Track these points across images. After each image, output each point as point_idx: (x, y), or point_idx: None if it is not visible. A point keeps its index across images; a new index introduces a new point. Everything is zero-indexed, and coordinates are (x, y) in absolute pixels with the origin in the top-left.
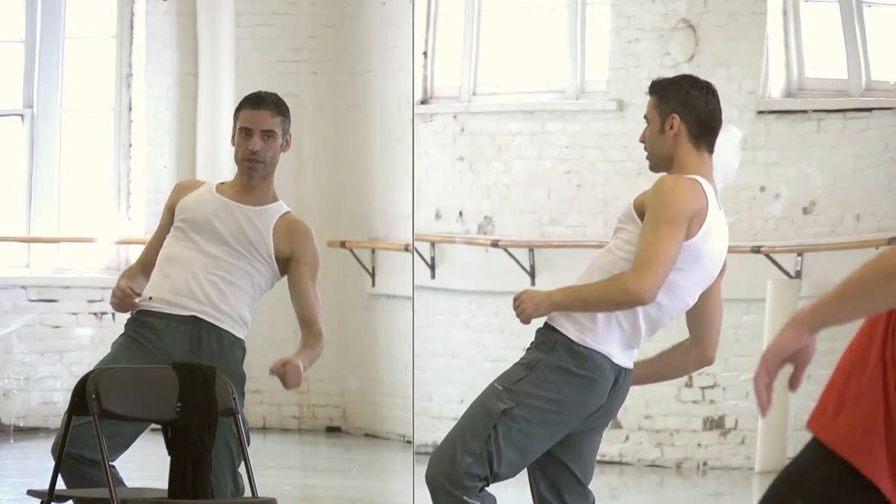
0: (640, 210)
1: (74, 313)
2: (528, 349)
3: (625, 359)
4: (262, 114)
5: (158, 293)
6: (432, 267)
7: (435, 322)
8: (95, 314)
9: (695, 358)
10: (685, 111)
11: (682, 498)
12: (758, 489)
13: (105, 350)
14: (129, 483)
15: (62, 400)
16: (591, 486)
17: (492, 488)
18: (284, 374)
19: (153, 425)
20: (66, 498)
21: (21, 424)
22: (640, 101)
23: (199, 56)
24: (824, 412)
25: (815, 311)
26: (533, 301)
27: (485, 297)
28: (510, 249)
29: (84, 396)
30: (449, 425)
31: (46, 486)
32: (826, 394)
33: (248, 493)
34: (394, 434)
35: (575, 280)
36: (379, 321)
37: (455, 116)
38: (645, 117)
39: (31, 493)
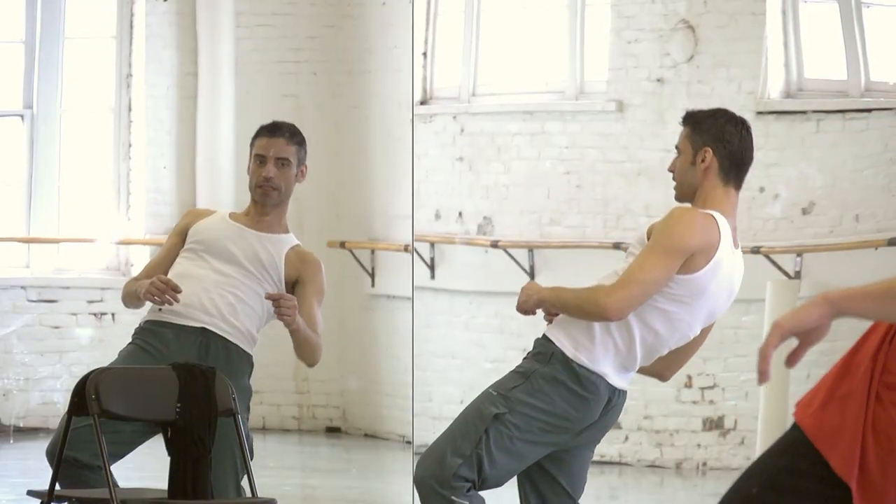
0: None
1: (74, 314)
2: (524, 358)
3: (619, 380)
4: (276, 141)
5: (177, 304)
6: (432, 267)
7: (435, 322)
8: (95, 314)
9: (652, 369)
10: (719, 145)
11: (682, 498)
12: None
13: (104, 350)
14: (129, 483)
15: (62, 400)
16: (591, 487)
17: (485, 495)
18: (279, 302)
19: (151, 438)
20: (66, 498)
21: (21, 425)
22: (640, 102)
23: (199, 56)
24: (811, 403)
25: (848, 298)
26: (527, 292)
27: (484, 297)
28: (510, 250)
29: (84, 397)
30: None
31: (46, 487)
32: (817, 387)
33: (248, 493)
34: (393, 434)
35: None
36: (379, 322)
37: (455, 117)
38: (676, 147)
39: (31, 493)
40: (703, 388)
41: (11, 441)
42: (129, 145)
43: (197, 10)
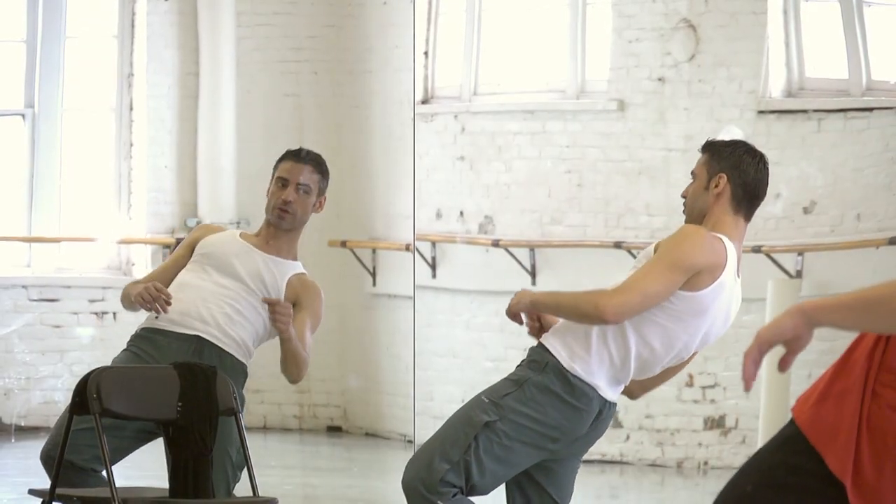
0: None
1: (75, 313)
2: (518, 365)
3: (611, 393)
4: (301, 167)
5: (165, 314)
6: (433, 266)
7: (436, 321)
8: (96, 314)
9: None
10: (734, 173)
11: (683, 497)
12: None
13: (105, 349)
14: (130, 482)
15: (63, 399)
16: (592, 486)
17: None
18: (276, 308)
19: (148, 442)
20: (68, 497)
21: (22, 424)
22: (641, 101)
23: (200, 56)
24: (808, 400)
25: (821, 309)
26: (518, 296)
27: (485, 296)
28: (511, 249)
29: (85, 396)
30: None
31: (47, 486)
32: (815, 384)
33: (248, 492)
34: (395, 433)
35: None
36: (380, 321)
37: (456, 116)
38: (692, 173)
39: (32, 492)
40: (704, 388)
41: (13, 440)
42: (131, 144)
43: (198, 9)
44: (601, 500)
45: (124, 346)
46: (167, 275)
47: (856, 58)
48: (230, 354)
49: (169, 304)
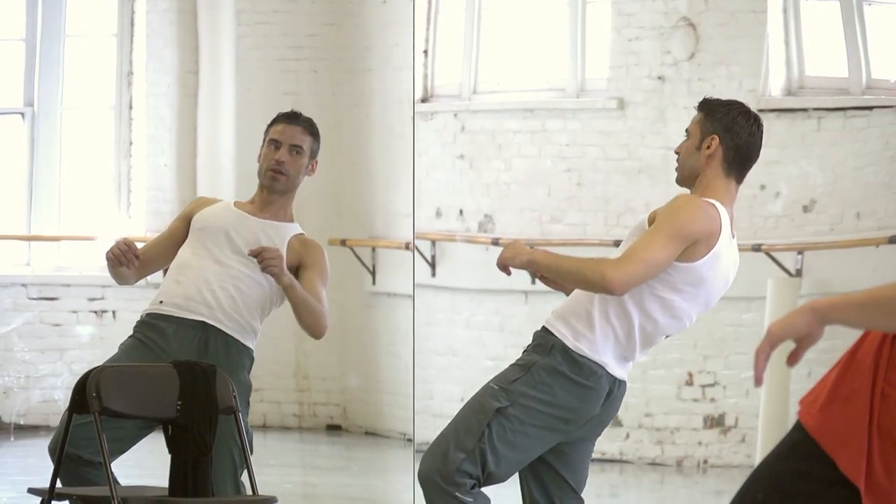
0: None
1: (75, 311)
2: (524, 351)
3: (619, 370)
4: (294, 129)
5: (169, 298)
6: (433, 265)
7: (435, 320)
8: (96, 312)
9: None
10: (727, 135)
11: (683, 496)
12: None
13: (104, 348)
14: (130, 481)
15: (62, 398)
16: (591, 484)
17: (488, 491)
18: (262, 255)
19: (151, 433)
20: (67, 496)
21: (21, 422)
22: (641, 100)
23: (200, 54)
24: (815, 403)
25: (834, 307)
26: (514, 250)
27: (485, 295)
28: None
29: (85, 394)
30: None
31: (47, 485)
32: (820, 385)
33: (248, 490)
34: (394, 432)
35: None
36: (379, 319)
37: (455, 114)
38: (686, 131)
39: (31, 491)
40: (703, 386)
41: (12, 439)
42: (130, 143)
43: (198, 7)
44: (601, 499)
45: (130, 334)
46: (160, 247)
47: (856, 56)
48: (235, 339)
49: (138, 257)
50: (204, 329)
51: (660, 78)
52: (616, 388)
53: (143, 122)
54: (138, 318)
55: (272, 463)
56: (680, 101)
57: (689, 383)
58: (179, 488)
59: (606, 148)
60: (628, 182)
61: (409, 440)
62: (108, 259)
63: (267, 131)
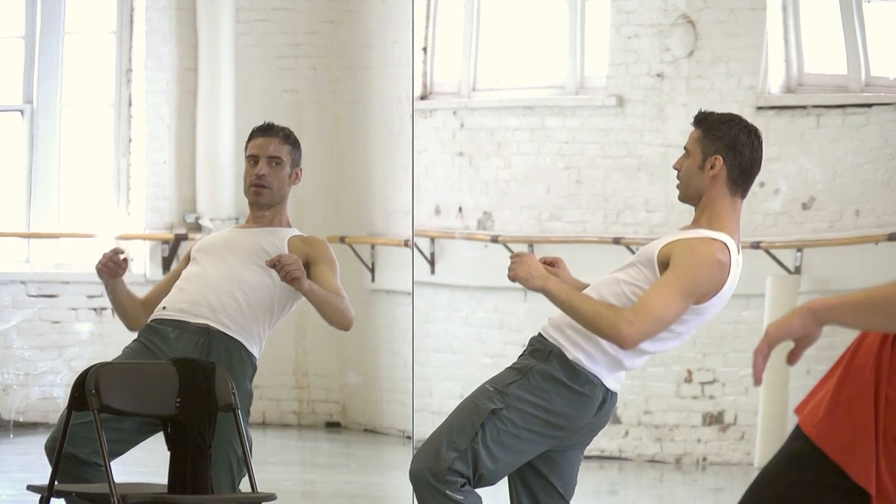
0: (664, 262)
1: (74, 308)
2: (520, 355)
3: (613, 382)
4: (269, 140)
5: (173, 304)
6: (432, 262)
7: (434, 317)
8: (95, 309)
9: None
10: (730, 154)
11: (682, 493)
12: None
13: (104, 345)
14: (129, 478)
15: (62, 395)
16: (590, 482)
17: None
18: (280, 262)
19: (150, 437)
20: (66, 493)
21: (21, 420)
22: (640, 97)
23: (199, 51)
24: (817, 411)
25: (830, 309)
26: (529, 270)
27: (484, 292)
28: (510, 245)
29: (84, 391)
30: None
31: (46, 482)
32: (818, 389)
33: (247, 488)
34: (393, 429)
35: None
36: (378, 317)
37: (454, 112)
38: (685, 148)
39: (30, 488)
40: (702, 383)
41: (11, 436)
42: (129, 140)
43: (197, 5)
44: (600, 497)
45: (125, 341)
46: (168, 285)
47: (855, 53)
48: (238, 344)
49: (125, 262)
50: (207, 333)
51: (659, 75)
52: (609, 398)
53: (142, 119)
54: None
55: (271, 460)
56: (679, 99)
57: (689, 381)
58: (179, 485)
59: (605, 145)
60: (627, 179)
61: (409, 437)
62: (99, 272)
63: (246, 147)
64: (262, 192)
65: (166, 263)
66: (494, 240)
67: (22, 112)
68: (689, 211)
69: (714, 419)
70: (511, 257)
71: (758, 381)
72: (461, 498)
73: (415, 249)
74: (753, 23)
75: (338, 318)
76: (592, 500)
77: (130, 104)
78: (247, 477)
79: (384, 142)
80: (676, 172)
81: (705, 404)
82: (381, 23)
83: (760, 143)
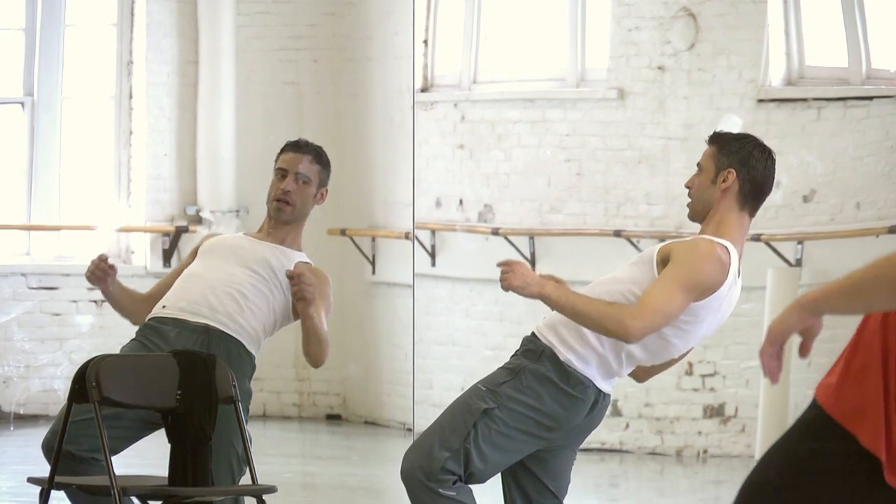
0: (663, 260)
1: (75, 301)
2: (513, 355)
3: (605, 384)
4: (300, 157)
5: (172, 302)
6: (432, 255)
7: (435, 310)
8: (96, 302)
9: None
10: (743, 169)
11: (683, 485)
12: None
13: (104, 337)
14: (129, 471)
15: (62, 387)
16: (591, 474)
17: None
18: (300, 277)
19: (149, 434)
20: (67, 486)
21: (21, 412)
22: (641, 90)
23: (200, 44)
24: (829, 383)
25: (818, 300)
26: (523, 278)
27: (485, 284)
28: (510, 237)
29: (84, 384)
30: None
31: (46, 474)
32: (835, 365)
33: (248, 480)
34: (394, 422)
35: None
36: (379, 309)
37: (455, 104)
38: (698, 164)
39: (31, 480)
40: (703, 376)
41: (12, 428)
42: (130, 133)
43: None
44: (600, 489)
45: (126, 333)
46: (172, 281)
47: (855, 46)
48: (239, 343)
49: (112, 267)
50: (206, 333)
51: (660, 68)
52: (601, 399)
53: (142, 111)
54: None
55: (272, 452)
56: (680, 91)
57: (689, 373)
58: (179, 477)
59: (606, 138)
60: (628, 172)
61: (409, 430)
62: (90, 279)
63: (276, 159)
64: (285, 208)
65: (167, 256)
66: (495, 232)
67: (23, 104)
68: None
69: (715, 412)
70: (501, 267)
71: (774, 380)
72: (453, 494)
73: (415, 242)
74: (754, 15)
75: (317, 352)
76: (593, 492)
77: (131, 96)
78: (247, 470)
79: (385, 134)
80: (688, 191)
81: (706, 397)
82: (381, 15)
83: (774, 162)
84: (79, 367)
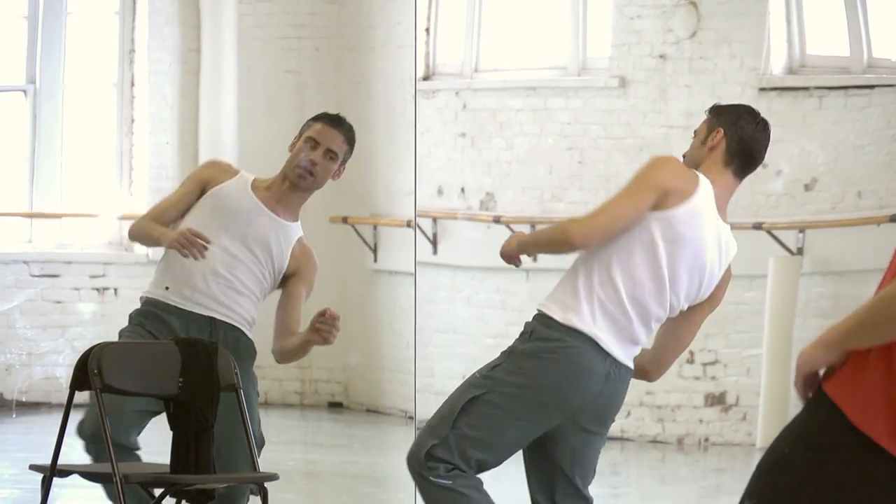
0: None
1: (77, 288)
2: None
3: (620, 351)
4: (335, 133)
5: (175, 285)
6: (434, 243)
7: (437, 298)
8: (97, 289)
9: (638, 367)
10: (732, 129)
11: (684, 474)
12: None
13: (106, 325)
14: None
15: (64, 375)
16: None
17: (492, 482)
18: (335, 323)
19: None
20: (68, 473)
21: (23, 399)
22: (642, 78)
23: (202, 32)
24: (838, 375)
25: (838, 342)
26: (507, 241)
27: (486, 272)
28: (512, 225)
29: (86, 371)
30: None
31: (48, 462)
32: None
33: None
34: (395, 409)
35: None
36: (381, 297)
37: (457, 93)
38: (694, 132)
39: (33, 467)
40: (704, 364)
41: (14, 416)
42: (132, 121)
43: None
44: (602, 477)
45: (131, 321)
46: (175, 211)
47: (857, 35)
48: (241, 332)
49: (206, 248)
50: (212, 324)
51: (661, 56)
52: (616, 372)
53: (144, 99)
54: (141, 307)
55: (273, 440)
56: (681, 80)
57: (691, 361)
58: (181, 465)
59: (608, 126)
60: (629, 160)
61: (411, 418)
62: (173, 247)
63: (307, 125)
64: (307, 178)
65: None
66: (497, 220)
67: (25, 92)
68: None
69: (716, 400)
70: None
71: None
72: (447, 483)
73: (417, 230)
74: (756, 4)
75: (289, 360)
76: (595, 479)
77: (133, 85)
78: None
79: (387, 122)
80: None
81: (707, 385)
82: (383, 3)
83: (766, 130)
84: (81, 354)
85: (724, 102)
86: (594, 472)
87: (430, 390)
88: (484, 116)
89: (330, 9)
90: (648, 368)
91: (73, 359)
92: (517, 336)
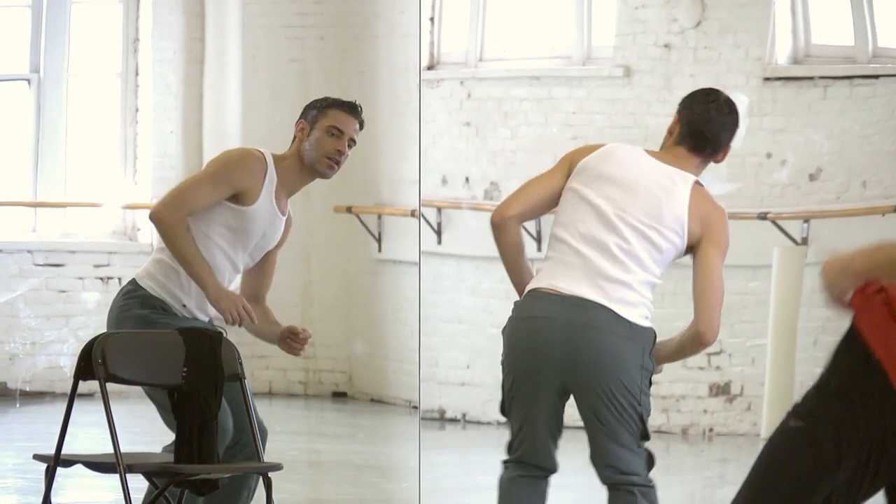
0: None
1: (81, 278)
2: None
3: (577, 287)
4: (354, 122)
5: (190, 304)
6: (439, 232)
7: (441, 287)
8: (101, 279)
9: (689, 335)
10: (684, 111)
11: (688, 464)
12: None
13: None
14: (135, 448)
15: (68, 364)
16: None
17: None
18: (305, 342)
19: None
20: (72, 462)
21: (27, 389)
22: (647, 68)
23: (206, 21)
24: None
25: (868, 270)
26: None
27: (491, 262)
28: None
29: (90, 361)
30: (455, 391)
31: (52, 451)
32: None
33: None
34: (400, 399)
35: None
36: (385, 286)
37: (462, 82)
38: None
39: (37, 457)
40: (709, 354)
41: (18, 405)
42: (136, 110)
43: None
44: None
45: (140, 307)
46: (199, 211)
47: (862, 25)
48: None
49: (253, 322)
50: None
51: (666, 46)
52: (582, 313)
53: (149, 89)
54: (150, 291)
55: (278, 430)
56: (686, 70)
57: None
58: (185, 455)
59: (612, 116)
60: None
61: (415, 407)
62: (223, 316)
63: (323, 113)
64: (335, 169)
65: None
66: None
67: (29, 81)
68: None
69: (720, 390)
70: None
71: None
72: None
73: (422, 219)
74: None
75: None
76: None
77: (137, 73)
78: (252, 447)
79: (391, 112)
80: None
81: (712, 375)
82: None
83: (718, 107)
84: (85, 344)
85: (725, 91)
86: (611, 451)
87: (435, 380)
88: (488, 106)
89: None
90: (697, 328)
91: (77, 348)
92: None
